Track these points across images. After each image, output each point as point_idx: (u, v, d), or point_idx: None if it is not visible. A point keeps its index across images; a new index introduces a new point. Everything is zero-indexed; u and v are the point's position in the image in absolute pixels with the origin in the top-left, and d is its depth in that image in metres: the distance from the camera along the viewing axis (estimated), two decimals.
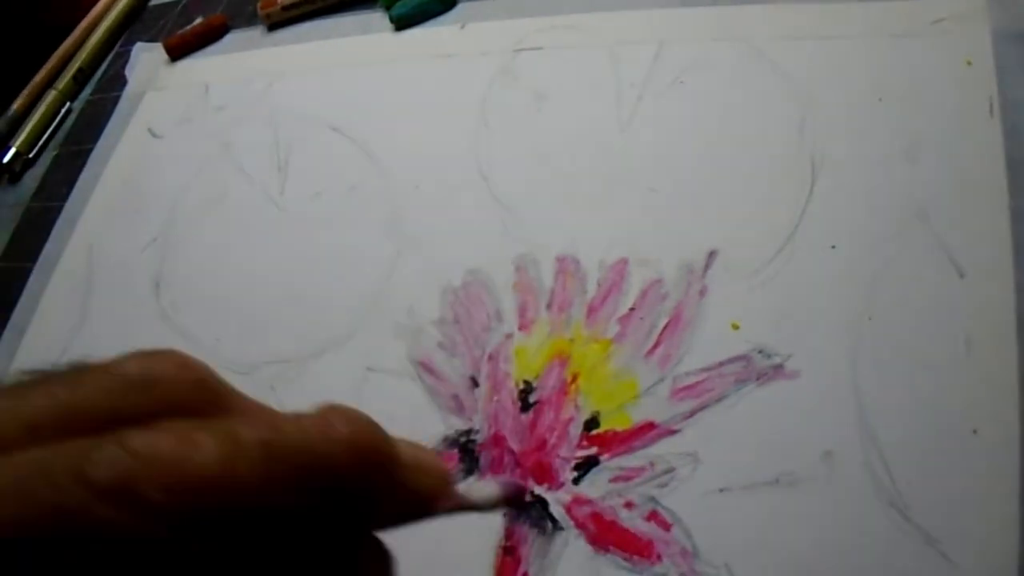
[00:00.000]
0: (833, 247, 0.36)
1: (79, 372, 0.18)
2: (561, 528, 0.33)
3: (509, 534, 0.33)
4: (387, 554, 0.21)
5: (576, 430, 0.35)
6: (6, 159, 0.59)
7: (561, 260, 0.40)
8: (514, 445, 0.36)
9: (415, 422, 0.37)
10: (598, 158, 0.42)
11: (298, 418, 0.18)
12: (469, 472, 0.35)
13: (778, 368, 0.34)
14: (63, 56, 0.64)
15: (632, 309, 0.37)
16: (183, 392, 0.19)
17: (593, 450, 0.34)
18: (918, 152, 0.37)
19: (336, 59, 0.53)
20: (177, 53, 0.59)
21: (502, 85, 0.47)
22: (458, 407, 0.37)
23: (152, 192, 0.52)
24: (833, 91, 0.40)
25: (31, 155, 0.60)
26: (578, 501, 0.33)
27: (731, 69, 0.43)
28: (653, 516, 0.32)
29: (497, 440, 0.36)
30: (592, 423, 0.35)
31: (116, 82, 0.61)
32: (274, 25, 0.57)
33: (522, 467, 0.35)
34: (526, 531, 0.33)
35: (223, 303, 0.45)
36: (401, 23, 0.53)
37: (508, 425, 0.36)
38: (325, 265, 0.44)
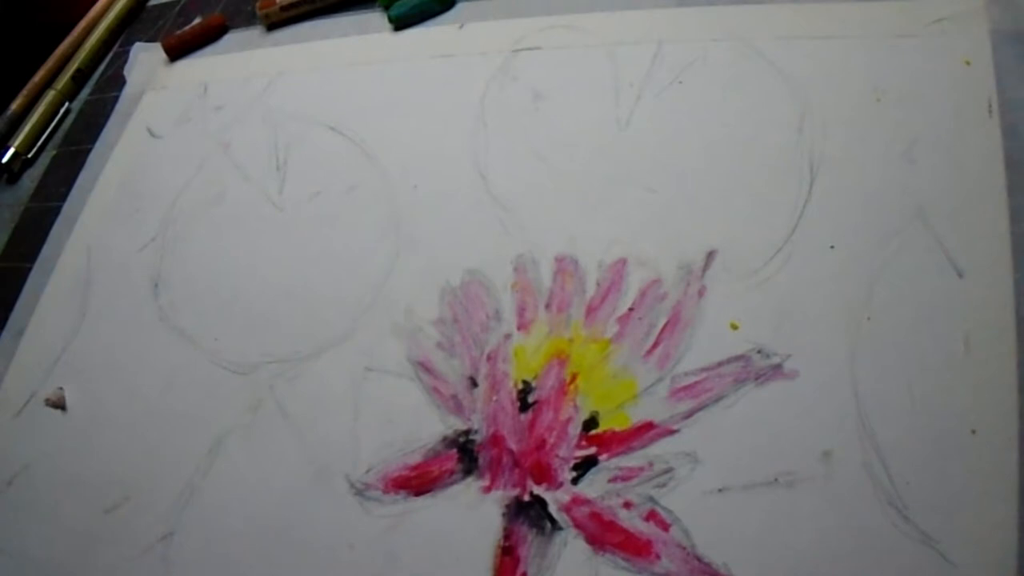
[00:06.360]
0: (832, 247, 0.36)
1: None
2: (560, 528, 0.33)
3: (508, 534, 0.33)
4: None
5: (575, 430, 0.35)
6: (4, 159, 0.59)
7: (560, 260, 0.40)
8: (513, 445, 0.36)
9: (414, 422, 0.37)
10: (597, 158, 0.42)
11: None
12: (468, 472, 0.35)
13: (777, 368, 0.34)
14: (62, 56, 0.64)
15: (631, 309, 0.37)
16: None
17: (592, 450, 0.34)
18: (917, 152, 0.37)
19: (335, 59, 0.53)
20: (176, 53, 0.59)
21: (501, 85, 0.47)
22: (457, 407, 0.37)
23: (151, 192, 0.52)
24: (832, 91, 0.40)
25: (30, 155, 0.60)
26: (577, 501, 0.33)
27: (730, 69, 0.43)
28: (652, 516, 0.32)
29: (496, 440, 0.36)
30: (591, 423, 0.35)
31: (115, 82, 0.61)
32: (273, 25, 0.57)
33: (521, 467, 0.35)
34: (525, 531, 0.33)
35: (222, 303, 0.45)
36: (400, 23, 0.53)
37: (507, 425, 0.36)
38: (324, 265, 0.44)
